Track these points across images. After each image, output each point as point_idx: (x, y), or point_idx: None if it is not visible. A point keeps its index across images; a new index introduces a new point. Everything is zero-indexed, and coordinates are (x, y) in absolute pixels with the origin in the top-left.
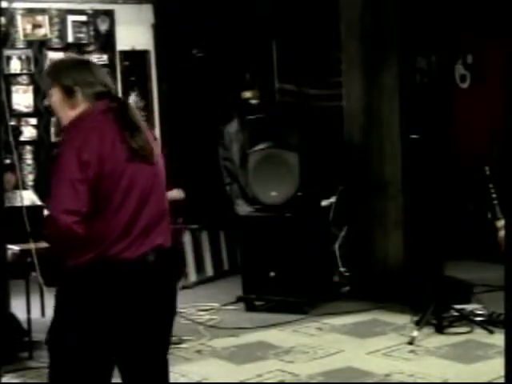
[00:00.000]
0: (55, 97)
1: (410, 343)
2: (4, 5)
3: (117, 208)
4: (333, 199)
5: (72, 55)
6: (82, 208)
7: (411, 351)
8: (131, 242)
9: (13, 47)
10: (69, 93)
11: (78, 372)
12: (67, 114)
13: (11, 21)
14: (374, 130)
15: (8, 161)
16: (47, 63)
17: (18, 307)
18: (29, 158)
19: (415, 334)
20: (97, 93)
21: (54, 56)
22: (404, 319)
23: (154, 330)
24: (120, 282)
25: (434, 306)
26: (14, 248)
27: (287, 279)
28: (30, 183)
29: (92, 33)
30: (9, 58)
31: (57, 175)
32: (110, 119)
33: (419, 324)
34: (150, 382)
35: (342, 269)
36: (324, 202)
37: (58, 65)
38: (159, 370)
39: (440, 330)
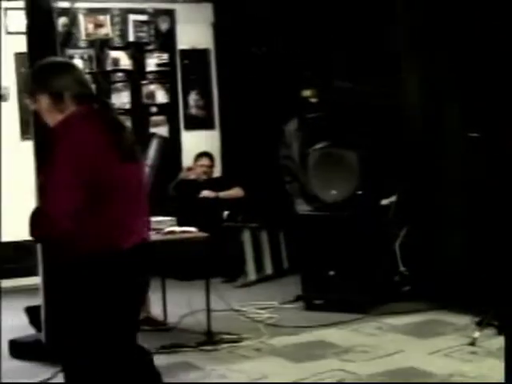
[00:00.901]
0: (43, 102)
1: (472, 344)
2: (66, 5)
3: (112, 205)
4: (393, 198)
5: (52, 58)
6: (77, 210)
7: (472, 352)
8: (126, 234)
9: (75, 47)
10: (57, 98)
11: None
12: (55, 117)
13: (73, 21)
14: (433, 127)
15: None
16: (109, 62)
17: None
18: None
19: (476, 334)
20: (81, 95)
21: (115, 55)
22: (465, 320)
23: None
24: (119, 270)
25: (496, 306)
26: None
27: (347, 278)
28: None
29: (153, 32)
30: (71, 58)
31: (53, 178)
32: (97, 121)
33: (481, 325)
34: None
35: (402, 268)
36: (384, 201)
37: (42, 70)
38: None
39: (502, 331)
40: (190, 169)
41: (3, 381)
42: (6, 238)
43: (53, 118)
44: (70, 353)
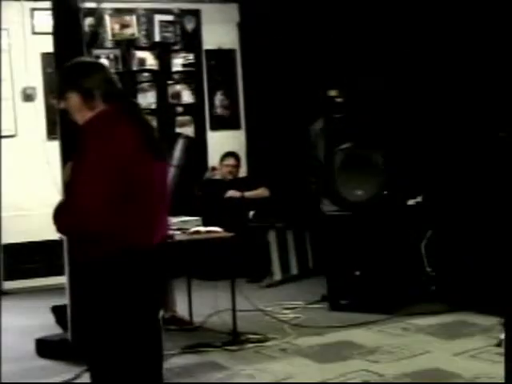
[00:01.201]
0: (73, 100)
1: (498, 345)
2: (93, 5)
3: (139, 202)
4: (419, 198)
5: (81, 58)
6: (104, 206)
7: (499, 353)
8: (151, 232)
9: (101, 47)
10: (87, 96)
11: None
12: (85, 115)
13: (100, 21)
14: (460, 127)
15: None
16: (135, 62)
17: None
18: None
19: (503, 336)
20: (110, 93)
21: (141, 55)
22: (491, 320)
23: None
24: (143, 267)
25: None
26: None
27: (372, 278)
28: None
29: (178, 32)
30: (97, 58)
31: (82, 174)
32: (126, 120)
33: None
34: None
35: (428, 269)
36: (410, 201)
37: (73, 69)
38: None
39: None
40: (215, 168)
41: (30, 379)
42: (31, 238)
43: (82, 116)
44: (96, 350)
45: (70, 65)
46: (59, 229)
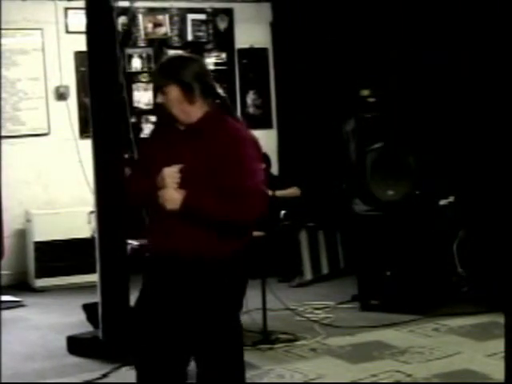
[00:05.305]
0: (173, 94)
1: None
2: (126, 4)
3: None
4: (451, 198)
5: (179, 53)
6: None
7: None
8: None
9: (134, 46)
10: (188, 89)
11: None
12: (185, 109)
13: (133, 20)
14: (490, 127)
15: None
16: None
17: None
18: None
19: None
20: (208, 88)
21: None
22: None
23: None
24: None
25: None
26: (133, 243)
27: (404, 279)
28: None
29: (211, 31)
30: (130, 57)
31: (250, 169)
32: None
33: None
34: None
35: (459, 269)
36: (442, 201)
37: (172, 63)
38: None
39: None
40: None
41: (61, 376)
42: (63, 236)
43: (182, 110)
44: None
45: (168, 58)
46: (253, 215)
